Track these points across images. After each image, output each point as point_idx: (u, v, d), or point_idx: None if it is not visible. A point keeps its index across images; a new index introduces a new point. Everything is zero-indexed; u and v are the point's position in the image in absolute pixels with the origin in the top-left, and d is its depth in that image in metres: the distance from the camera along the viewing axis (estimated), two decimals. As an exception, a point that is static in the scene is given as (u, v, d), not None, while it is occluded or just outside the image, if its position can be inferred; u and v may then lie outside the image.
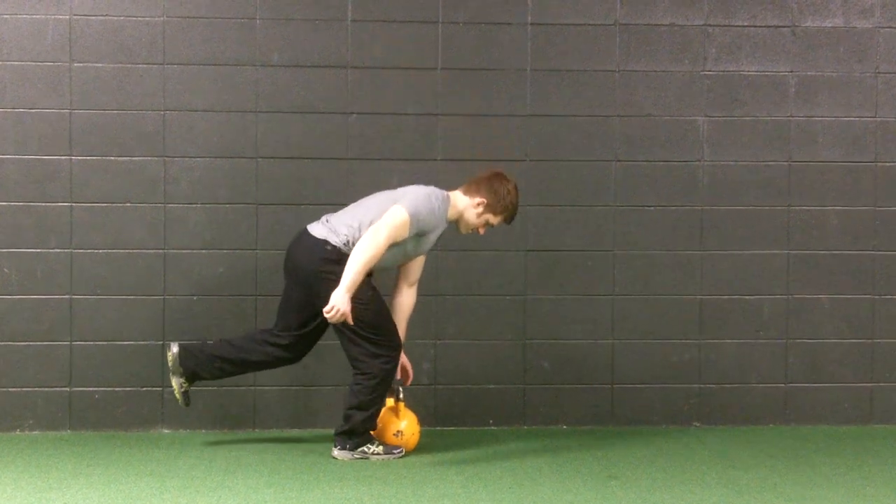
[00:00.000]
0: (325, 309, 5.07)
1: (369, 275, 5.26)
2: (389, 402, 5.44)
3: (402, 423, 5.43)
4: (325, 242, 5.22)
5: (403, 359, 5.50)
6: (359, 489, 4.76)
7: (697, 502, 4.62)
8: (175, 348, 5.40)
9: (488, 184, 5.35)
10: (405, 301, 5.52)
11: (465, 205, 5.36)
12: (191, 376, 5.42)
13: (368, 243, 5.10)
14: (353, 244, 5.18)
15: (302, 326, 5.39)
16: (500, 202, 5.34)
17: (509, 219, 5.42)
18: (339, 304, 5.06)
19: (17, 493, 4.69)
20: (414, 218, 5.17)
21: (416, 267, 5.49)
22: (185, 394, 5.44)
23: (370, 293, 5.23)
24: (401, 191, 5.32)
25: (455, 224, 5.42)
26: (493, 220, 5.38)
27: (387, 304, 5.41)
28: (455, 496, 4.67)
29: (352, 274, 5.07)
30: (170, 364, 5.41)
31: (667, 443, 5.74)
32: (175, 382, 5.42)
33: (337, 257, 5.18)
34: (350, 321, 5.11)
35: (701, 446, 5.68)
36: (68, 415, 5.85)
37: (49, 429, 5.84)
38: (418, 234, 5.24)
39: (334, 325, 5.23)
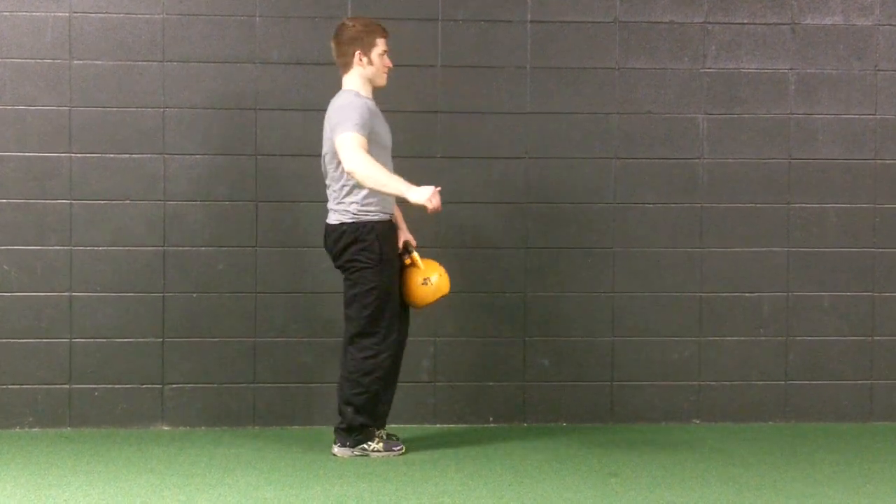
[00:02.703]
0: (428, 205, 5.04)
1: (393, 227, 5.29)
2: (405, 260, 5.39)
3: (432, 274, 5.36)
4: (341, 225, 5.25)
5: (406, 233, 5.47)
6: (359, 486, 4.76)
7: (697, 499, 4.62)
8: (377, 444, 5.34)
9: (340, 43, 5.34)
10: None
11: (358, 73, 5.34)
12: (381, 425, 5.42)
13: (361, 170, 5.08)
14: (358, 205, 5.20)
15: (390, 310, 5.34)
16: (360, 35, 5.32)
17: (383, 32, 5.37)
18: (420, 196, 5.05)
19: (17, 489, 4.69)
20: (356, 127, 5.13)
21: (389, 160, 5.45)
22: (388, 436, 5.43)
23: (387, 278, 5.22)
24: (326, 126, 5.28)
25: (377, 90, 5.39)
26: (379, 49, 5.34)
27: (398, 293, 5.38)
28: (455, 493, 4.67)
29: (389, 182, 5.08)
30: (373, 450, 5.33)
31: (667, 440, 5.75)
32: (380, 446, 5.34)
33: (353, 235, 5.20)
34: (439, 206, 5.08)
35: (701, 443, 5.68)
36: (68, 412, 5.85)
37: (49, 426, 5.85)
38: (372, 134, 5.22)
39: (347, 297, 5.24)
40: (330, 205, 5.34)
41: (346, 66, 5.37)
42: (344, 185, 5.24)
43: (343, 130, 5.16)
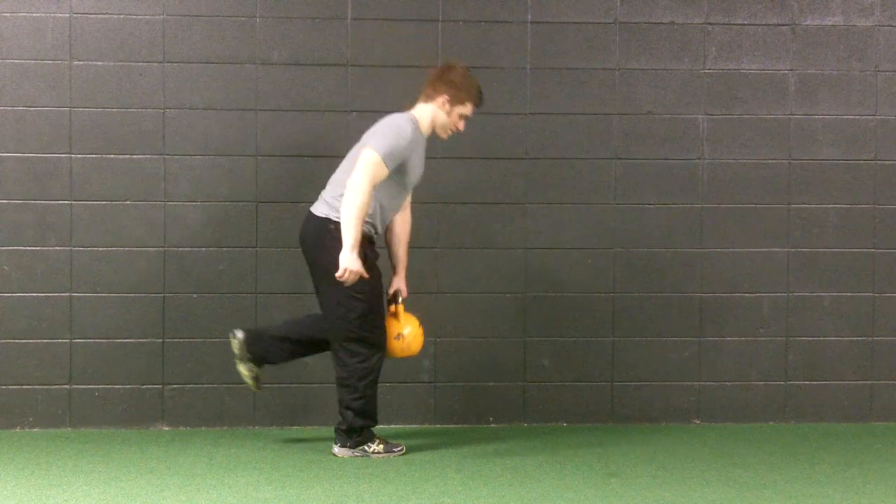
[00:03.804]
0: (337, 274, 5.04)
1: (371, 241, 5.23)
2: (390, 308, 5.41)
3: (406, 329, 5.37)
4: (328, 221, 5.21)
5: (401, 281, 5.46)
6: (359, 486, 4.76)
7: (697, 499, 4.62)
8: (240, 334, 5.36)
9: (442, 80, 5.29)
10: (399, 227, 5.47)
11: (432, 111, 5.30)
12: (259, 360, 5.39)
13: (352, 194, 5.05)
14: None
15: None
16: (461, 90, 5.28)
17: (478, 101, 5.33)
18: (348, 264, 5.03)
19: (18, 490, 4.69)
20: (386, 154, 5.11)
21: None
22: (257, 378, 5.41)
23: (370, 284, 5.20)
24: (366, 134, 5.26)
25: (434, 134, 5.35)
26: (465, 110, 5.31)
27: (384, 294, 5.40)
28: (455, 494, 4.67)
29: (350, 230, 5.03)
30: (236, 351, 5.37)
31: (667, 440, 5.75)
32: (244, 369, 5.38)
33: (339, 234, 5.14)
34: (365, 275, 5.07)
35: (701, 444, 5.68)
36: (68, 412, 5.86)
37: (49, 426, 5.85)
38: (400, 165, 5.18)
39: (322, 310, 5.24)
40: (325, 195, 5.29)
41: (428, 98, 5.32)
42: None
43: (374, 147, 5.12)
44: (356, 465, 5.17)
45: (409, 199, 5.48)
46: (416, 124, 5.25)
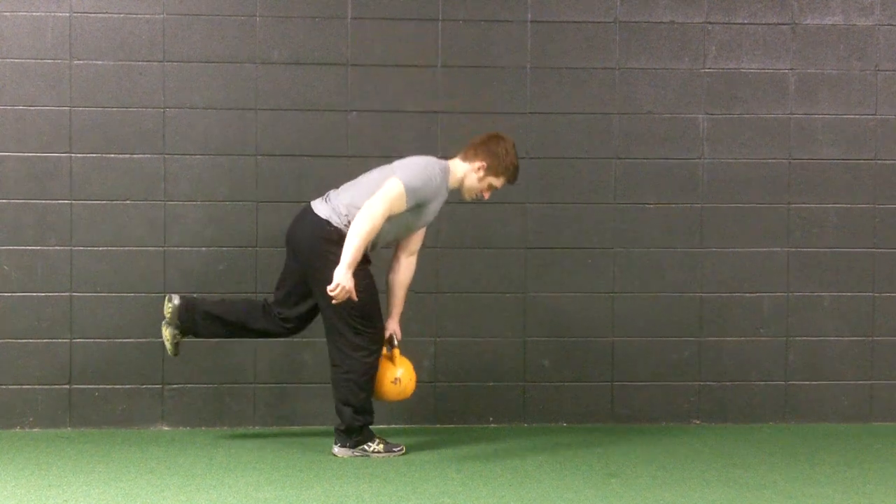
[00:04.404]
0: (329, 288, 5.04)
1: (367, 260, 5.24)
2: (384, 351, 5.40)
3: (399, 371, 5.36)
4: (328, 223, 5.20)
5: (396, 325, 5.46)
6: (359, 486, 4.76)
7: (697, 500, 4.62)
8: (176, 300, 5.37)
9: (486, 146, 5.30)
10: (404, 271, 5.46)
11: (466, 171, 5.32)
12: (185, 330, 5.41)
13: (365, 218, 5.06)
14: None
15: (299, 302, 5.37)
16: (500, 163, 5.30)
17: (512, 179, 5.36)
18: (342, 281, 5.03)
19: (18, 490, 4.69)
20: (410, 189, 5.14)
21: (416, 237, 5.44)
22: (177, 345, 5.42)
23: (365, 282, 5.20)
24: (398, 163, 5.28)
25: (458, 191, 5.37)
26: (496, 182, 5.33)
27: (382, 288, 5.39)
28: (455, 494, 4.67)
29: (351, 250, 5.04)
30: (167, 314, 5.38)
31: (667, 440, 5.75)
32: (168, 332, 5.39)
33: (338, 238, 5.15)
34: (354, 297, 5.08)
35: (701, 444, 5.68)
36: (68, 412, 5.85)
37: (49, 426, 5.85)
38: (417, 205, 5.20)
39: (323, 311, 5.24)
40: (333, 199, 5.27)
41: (466, 157, 5.32)
42: (360, 204, 5.16)
43: (402, 179, 5.13)
44: (356, 465, 5.17)
45: (419, 244, 5.47)
46: (446, 175, 5.28)
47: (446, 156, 5.42)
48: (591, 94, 6.05)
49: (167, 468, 5.07)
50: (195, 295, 5.55)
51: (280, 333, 5.47)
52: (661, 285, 6.10)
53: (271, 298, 5.46)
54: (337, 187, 5.34)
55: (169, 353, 5.47)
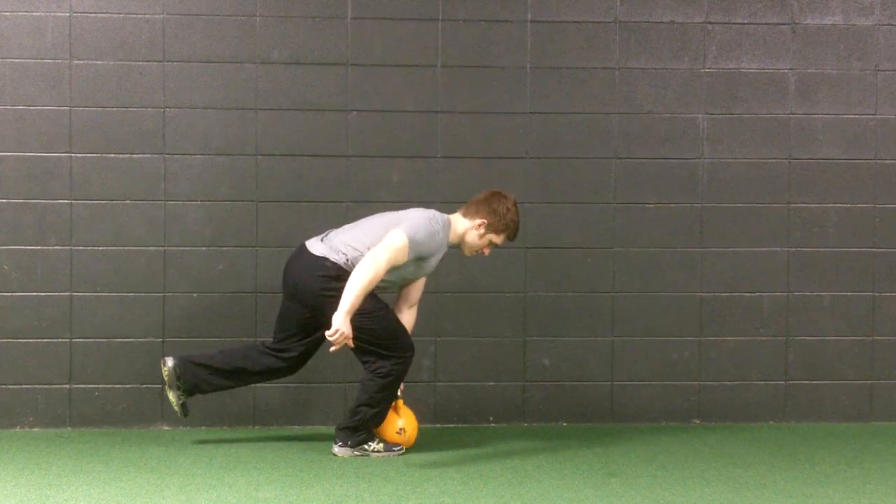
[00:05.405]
0: (328, 333, 5.05)
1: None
2: None
3: (401, 421, 5.42)
4: (326, 259, 5.21)
5: None
6: (359, 486, 4.76)
7: (697, 499, 4.62)
8: (170, 362, 5.36)
9: (487, 204, 5.33)
10: (406, 319, 5.50)
11: (466, 227, 5.34)
12: (189, 390, 5.40)
13: (367, 267, 5.08)
14: (353, 263, 5.16)
15: (302, 339, 5.38)
16: (500, 221, 5.32)
17: (513, 236, 5.40)
18: (341, 327, 5.02)
19: (18, 489, 4.69)
20: (413, 242, 5.16)
21: (416, 288, 5.49)
22: (184, 405, 5.42)
23: (373, 303, 5.20)
24: (402, 213, 5.30)
25: (458, 247, 5.40)
26: (497, 239, 5.36)
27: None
28: (455, 493, 4.67)
29: (351, 297, 5.05)
30: (166, 378, 5.38)
31: (667, 440, 5.75)
32: (172, 396, 5.38)
33: (336, 273, 5.17)
34: (351, 345, 5.10)
35: (701, 443, 5.69)
36: (68, 412, 5.86)
37: (49, 426, 5.85)
38: (418, 258, 5.23)
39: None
40: (333, 238, 5.28)
41: (468, 214, 5.34)
42: (360, 247, 5.19)
43: (406, 232, 5.14)
44: (356, 465, 5.17)
45: (419, 294, 5.50)
46: (447, 230, 5.31)
47: (448, 204, 5.42)
48: (591, 94, 6.05)
49: (167, 468, 5.07)
50: (190, 354, 5.45)
51: (283, 369, 5.46)
52: (661, 285, 6.10)
53: (269, 342, 5.46)
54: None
55: (178, 415, 5.46)
